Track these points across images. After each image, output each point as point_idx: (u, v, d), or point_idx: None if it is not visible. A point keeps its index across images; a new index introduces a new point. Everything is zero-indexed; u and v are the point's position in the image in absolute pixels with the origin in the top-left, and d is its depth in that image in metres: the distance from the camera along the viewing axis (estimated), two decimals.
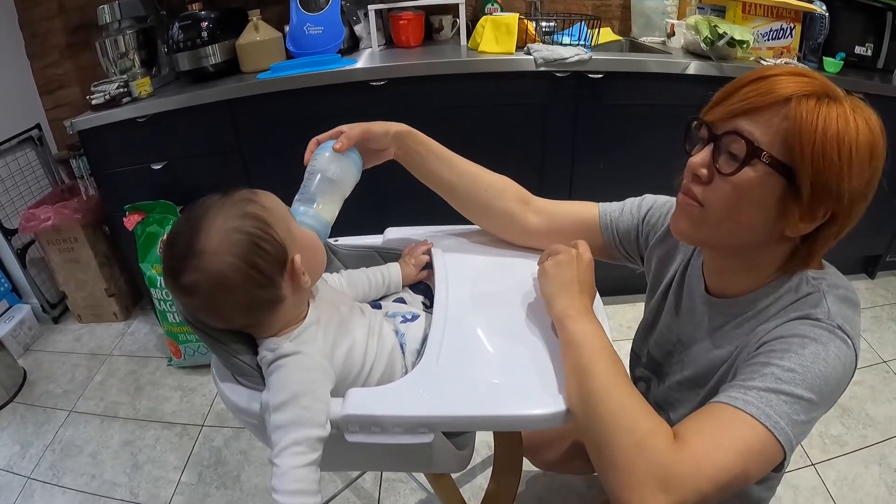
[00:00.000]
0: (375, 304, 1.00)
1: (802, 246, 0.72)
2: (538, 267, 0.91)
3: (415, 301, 1.04)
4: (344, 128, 0.94)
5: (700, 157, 0.73)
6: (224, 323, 0.79)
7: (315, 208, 0.90)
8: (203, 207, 0.75)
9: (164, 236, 2.07)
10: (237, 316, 0.78)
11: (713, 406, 0.67)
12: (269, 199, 0.79)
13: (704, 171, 0.72)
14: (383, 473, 1.83)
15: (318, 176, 0.91)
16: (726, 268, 0.82)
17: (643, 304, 1.08)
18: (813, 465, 1.77)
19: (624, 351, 1.06)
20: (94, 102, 2.07)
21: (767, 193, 0.68)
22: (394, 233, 1.16)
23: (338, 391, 0.78)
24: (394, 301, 1.03)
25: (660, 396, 0.96)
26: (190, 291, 0.74)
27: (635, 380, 1.05)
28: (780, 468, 0.77)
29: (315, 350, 0.79)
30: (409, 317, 0.96)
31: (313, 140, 0.96)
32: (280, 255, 0.76)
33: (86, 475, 1.91)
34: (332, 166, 0.91)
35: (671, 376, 0.94)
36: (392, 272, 1.06)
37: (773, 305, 0.76)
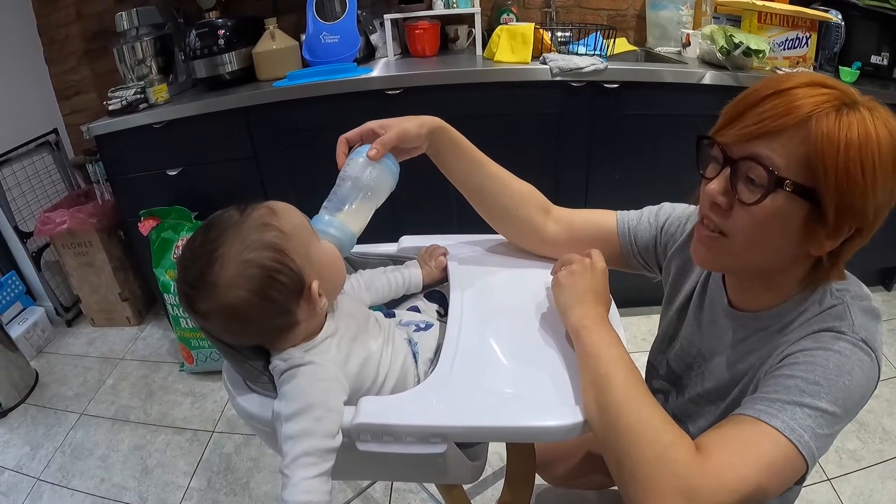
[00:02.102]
0: (389, 313, 0.99)
1: (826, 260, 0.70)
2: (552, 277, 0.90)
3: (429, 309, 1.03)
4: (373, 124, 0.89)
5: (718, 185, 0.69)
6: (238, 341, 0.79)
7: (341, 218, 0.86)
8: (220, 229, 0.74)
9: (180, 246, 2.08)
10: (252, 337, 0.78)
11: (736, 418, 0.66)
12: (289, 218, 0.77)
13: (724, 200, 0.69)
14: (394, 483, 1.82)
15: (349, 183, 0.87)
16: (749, 287, 0.81)
17: (658, 316, 1.06)
18: (829, 479, 1.75)
19: (640, 363, 1.04)
20: (110, 108, 2.09)
21: (791, 219, 0.66)
22: (409, 241, 1.15)
23: (350, 401, 0.78)
24: (408, 309, 1.02)
25: (679, 409, 0.94)
26: (203, 316, 0.74)
27: (653, 392, 1.02)
28: (801, 481, 0.75)
29: (328, 360, 0.78)
30: (422, 325, 0.95)
31: (341, 139, 0.91)
32: (297, 285, 0.75)
33: (95, 478, 1.91)
34: (365, 173, 0.86)
35: (691, 389, 0.92)
36: (412, 272, 1.04)
37: (799, 318, 0.74)
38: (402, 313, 1.00)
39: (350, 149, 0.91)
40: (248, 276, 0.71)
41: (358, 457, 0.78)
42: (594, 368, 0.72)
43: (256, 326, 0.76)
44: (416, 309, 1.02)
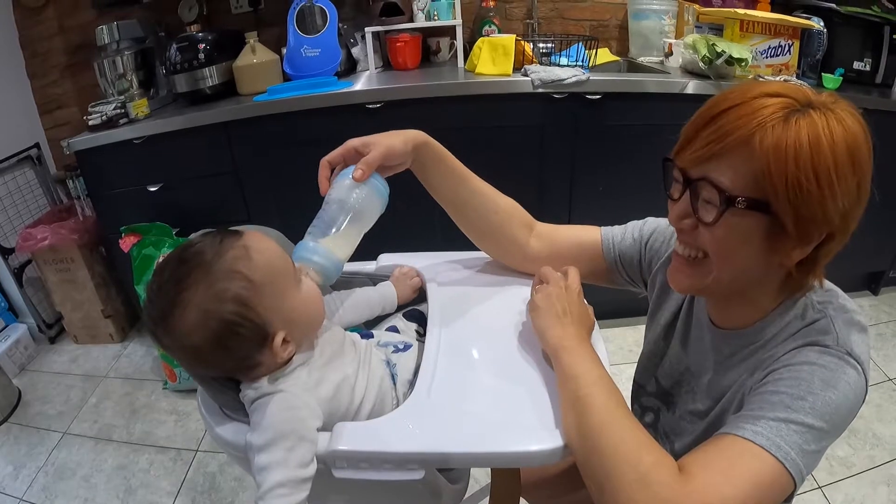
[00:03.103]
0: (367, 334, 0.97)
1: (796, 269, 0.69)
2: (530, 298, 0.89)
3: (408, 329, 1.02)
4: (356, 143, 0.86)
5: (679, 208, 0.71)
6: (204, 374, 0.78)
7: (327, 244, 0.82)
8: (189, 266, 0.72)
9: (156, 266, 2.05)
10: (215, 373, 0.78)
11: (720, 437, 0.64)
12: (264, 262, 0.74)
13: (687, 221, 0.71)
14: None
15: (335, 206, 0.82)
16: (727, 305, 0.80)
17: (643, 326, 1.06)
18: (820, 487, 1.74)
19: (627, 374, 1.04)
20: (91, 123, 2.08)
21: (752, 233, 0.66)
22: (388, 259, 1.14)
23: (327, 426, 0.76)
24: (387, 329, 1.01)
25: (669, 426, 0.93)
26: (166, 349, 0.74)
27: (642, 409, 1.02)
28: (789, 499, 0.74)
29: (299, 387, 0.76)
30: (401, 346, 0.94)
31: (323, 162, 0.88)
32: (258, 337, 0.74)
33: (78, 498, 1.88)
34: (352, 196, 0.82)
35: (681, 406, 0.91)
36: (388, 291, 1.03)
37: (781, 333, 0.73)
38: (380, 334, 0.99)
39: (332, 171, 0.88)
40: (207, 326, 0.70)
41: (335, 484, 0.76)
42: (573, 391, 0.71)
43: (216, 367, 0.76)
44: (394, 329, 1.01)
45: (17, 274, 2.56)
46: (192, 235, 0.78)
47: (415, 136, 0.90)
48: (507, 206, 1.00)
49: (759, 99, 0.63)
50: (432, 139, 0.93)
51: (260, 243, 0.76)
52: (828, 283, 0.76)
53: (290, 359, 0.78)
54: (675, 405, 0.93)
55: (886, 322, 2.50)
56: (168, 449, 2.06)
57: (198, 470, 1.96)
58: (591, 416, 0.67)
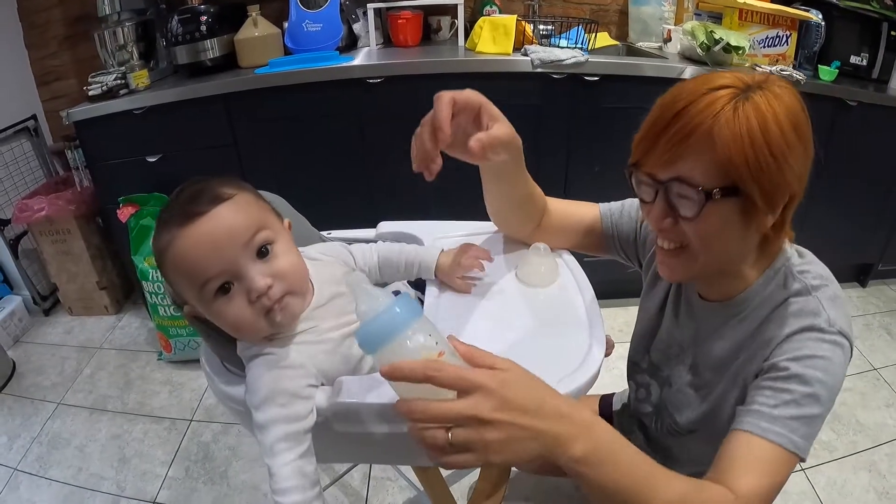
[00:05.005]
0: None
1: (774, 229, 0.74)
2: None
3: (409, 293, 1.03)
4: (481, 99, 0.78)
5: (657, 211, 0.73)
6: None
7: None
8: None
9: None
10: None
11: (744, 438, 0.69)
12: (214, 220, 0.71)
13: (668, 221, 0.73)
14: (372, 471, 1.82)
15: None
16: (711, 279, 0.84)
17: (635, 308, 1.08)
18: (803, 470, 1.78)
19: (618, 353, 1.06)
20: (91, 93, 2.07)
21: (731, 215, 0.70)
22: (387, 226, 1.15)
23: (329, 381, 0.78)
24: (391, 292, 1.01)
25: (668, 400, 0.95)
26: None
27: (637, 385, 1.04)
28: None
29: (290, 349, 0.77)
30: None
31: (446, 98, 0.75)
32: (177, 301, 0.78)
33: (72, 468, 1.90)
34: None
35: (676, 380, 0.93)
36: (426, 259, 0.96)
37: (767, 302, 0.78)
38: None
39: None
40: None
41: (336, 439, 0.78)
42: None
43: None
44: (397, 293, 1.02)
45: (13, 246, 2.56)
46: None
47: (516, 138, 0.85)
48: (540, 200, 1.02)
49: (709, 94, 0.67)
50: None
51: (228, 198, 0.74)
52: (800, 248, 0.82)
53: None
54: (668, 380, 0.96)
55: (873, 314, 2.54)
56: (162, 419, 2.07)
57: (192, 439, 1.98)
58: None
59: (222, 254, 0.70)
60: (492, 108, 0.80)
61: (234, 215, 0.72)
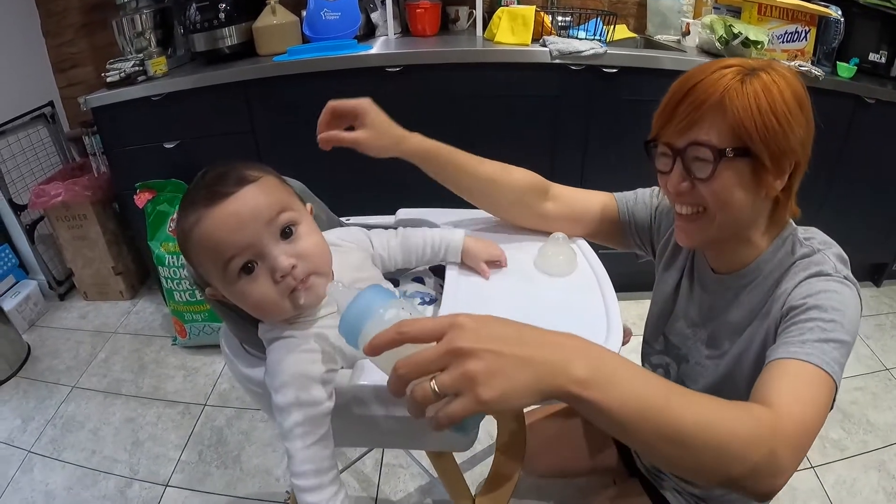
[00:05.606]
0: (393, 281, 0.99)
1: (783, 194, 0.81)
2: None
3: (432, 282, 1.03)
4: (353, 107, 0.97)
5: (675, 176, 0.80)
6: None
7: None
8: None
9: (175, 219, 2.07)
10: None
11: (777, 364, 0.71)
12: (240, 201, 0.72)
13: (685, 185, 0.80)
14: (384, 457, 1.83)
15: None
16: (725, 249, 0.89)
17: (648, 301, 1.10)
18: (812, 467, 1.78)
19: (632, 345, 1.07)
20: (109, 80, 2.08)
21: (742, 175, 0.76)
22: (406, 213, 1.16)
23: (351, 365, 0.79)
24: (413, 280, 1.02)
25: (684, 375, 1.00)
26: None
27: (653, 367, 1.08)
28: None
29: (310, 333, 0.77)
30: (427, 299, 0.95)
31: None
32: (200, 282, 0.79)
33: (86, 450, 1.92)
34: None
35: (693, 356, 0.98)
36: (454, 239, 0.97)
37: (777, 268, 0.84)
38: (406, 284, 1.00)
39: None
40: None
41: (353, 422, 0.79)
42: (642, 426, 0.55)
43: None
44: (420, 280, 1.02)
45: (29, 231, 2.58)
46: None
47: (404, 149, 0.98)
48: (518, 183, 1.04)
49: (717, 71, 0.76)
50: (419, 141, 0.99)
51: (251, 182, 0.75)
52: (805, 227, 0.89)
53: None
54: (684, 358, 0.99)
55: (886, 314, 2.52)
56: (176, 403, 2.09)
57: (205, 424, 2.00)
58: (680, 432, 0.56)
59: (246, 232, 0.71)
60: (373, 118, 0.96)
61: (259, 196, 0.73)
